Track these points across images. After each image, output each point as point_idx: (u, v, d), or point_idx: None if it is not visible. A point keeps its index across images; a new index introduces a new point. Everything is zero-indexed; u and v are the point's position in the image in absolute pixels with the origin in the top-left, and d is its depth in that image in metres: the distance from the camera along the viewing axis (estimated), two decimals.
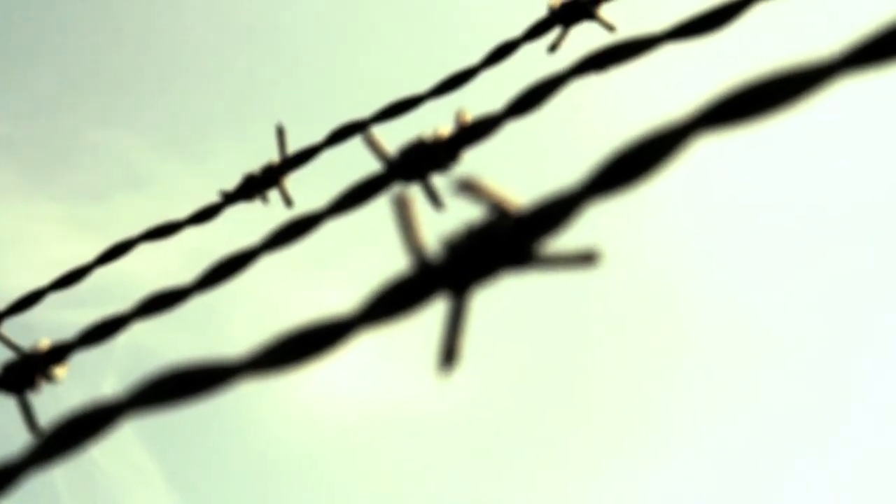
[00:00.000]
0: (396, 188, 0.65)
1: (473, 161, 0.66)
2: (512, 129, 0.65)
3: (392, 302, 0.34)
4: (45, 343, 0.63)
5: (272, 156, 0.91)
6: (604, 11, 0.90)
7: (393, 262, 0.35)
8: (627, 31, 0.64)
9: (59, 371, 0.62)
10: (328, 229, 0.66)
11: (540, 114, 0.64)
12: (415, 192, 0.65)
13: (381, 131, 0.66)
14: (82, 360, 0.66)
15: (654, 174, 0.32)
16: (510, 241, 0.32)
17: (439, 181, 0.66)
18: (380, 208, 0.65)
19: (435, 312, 0.34)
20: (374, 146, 0.65)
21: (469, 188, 0.32)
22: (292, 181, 0.90)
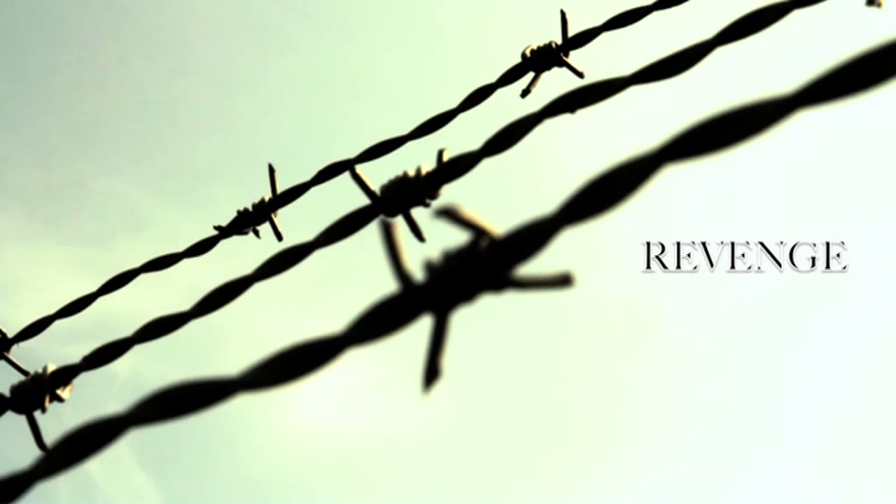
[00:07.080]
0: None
1: (452, 197, 0.69)
2: (487, 166, 0.68)
3: (378, 322, 0.35)
4: (51, 367, 0.65)
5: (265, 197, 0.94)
6: (573, 58, 0.94)
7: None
8: (595, 76, 0.67)
9: (65, 392, 0.64)
10: (314, 272, 0.68)
11: (514, 151, 0.67)
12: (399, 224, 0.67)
13: (366, 171, 0.69)
14: (84, 392, 0.69)
15: (622, 202, 0.34)
16: (489, 265, 0.34)
17: (421, 215, 0.69)
18: (363, 249, 0.67)
19: (419, 337, 0.35)
20: (360, 182, 0.67)
21: (450, 215, 0.34)
22: (282, 219, 0.93)
